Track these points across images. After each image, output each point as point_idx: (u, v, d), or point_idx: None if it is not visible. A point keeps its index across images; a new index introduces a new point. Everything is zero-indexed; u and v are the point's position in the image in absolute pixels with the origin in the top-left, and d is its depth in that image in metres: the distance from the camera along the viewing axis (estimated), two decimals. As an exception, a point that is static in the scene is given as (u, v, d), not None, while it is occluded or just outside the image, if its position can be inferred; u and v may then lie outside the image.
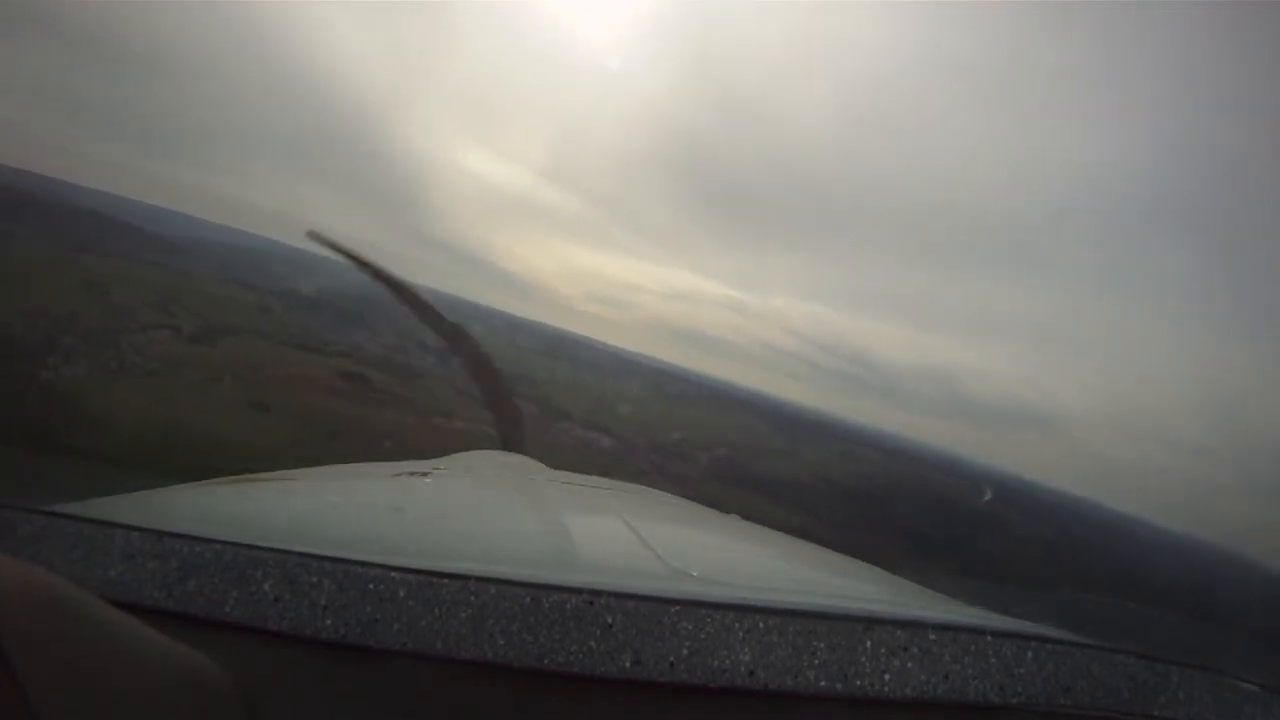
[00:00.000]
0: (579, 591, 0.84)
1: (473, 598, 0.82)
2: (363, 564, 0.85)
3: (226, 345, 23.40)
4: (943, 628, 0.89)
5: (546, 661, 0.79)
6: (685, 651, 0.82)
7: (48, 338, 17.98)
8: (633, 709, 0.82)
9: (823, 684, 0.82)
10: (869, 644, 0.85)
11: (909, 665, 0.85)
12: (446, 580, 0.84)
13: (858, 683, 0.83)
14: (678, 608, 0.85)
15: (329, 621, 0.80)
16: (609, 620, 0.83)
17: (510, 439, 4.06)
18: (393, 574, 0.84)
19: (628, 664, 0.80)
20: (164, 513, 1.22)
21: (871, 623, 0.87)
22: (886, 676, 0.84)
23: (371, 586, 0.83)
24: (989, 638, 0.89)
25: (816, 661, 0.83)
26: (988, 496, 32.93)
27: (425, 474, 1.97)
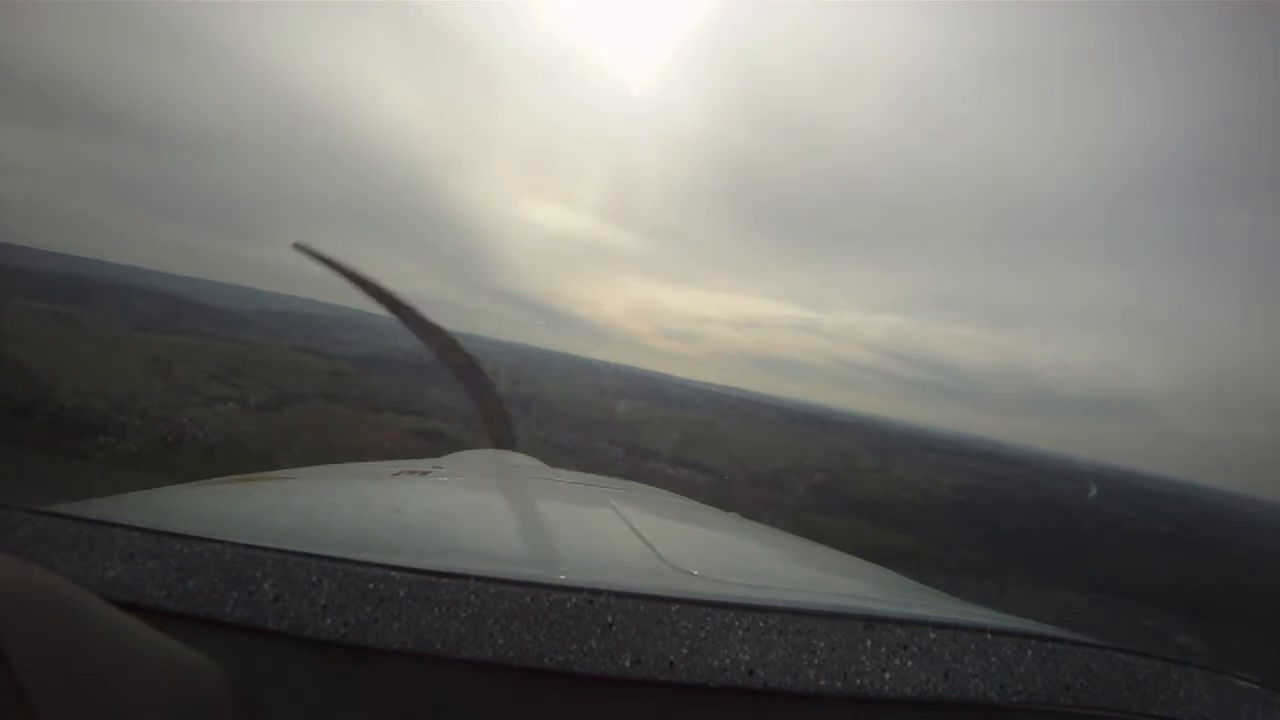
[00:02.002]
0: (579, 591, 0.85)
1: (473, 598, 0.83)
2: (363, 564, 0.86)
3: (294, 412, 23.01)
4: (943, 626, 0.89)
5: (546, 661, 0.80)
6: (685, 651, 0.82)
7: (111, 413, 17.81)
8: (633, 709, 0.82)
9: (823, 683, 0.82)
10: (869, 643, 0.85)
11: (909, 664, 0.85)
12: (446, 580, 0.84)
13: (858, 682, 0.83)
14: (678, 607, 0.85)
15: (329, 621, 0.81)
16: (609, 620, 0.83)
17: (502, 438, 4.03)
18: (393, 574, 0.84)
19: (628, 663, 0.80)
20: (164, 513, 1.23)
21: (871, 622, 0.87)
22: (887, 675, 0.84)
23: (371, 586, 0.83)
24: (989, 636, 0.89)
25: (816, 660, 0.83)
26: (1093, 493, 32.00)
27: (425, 474, 1.98)
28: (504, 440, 3.99)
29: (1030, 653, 0.89)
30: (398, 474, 1.94)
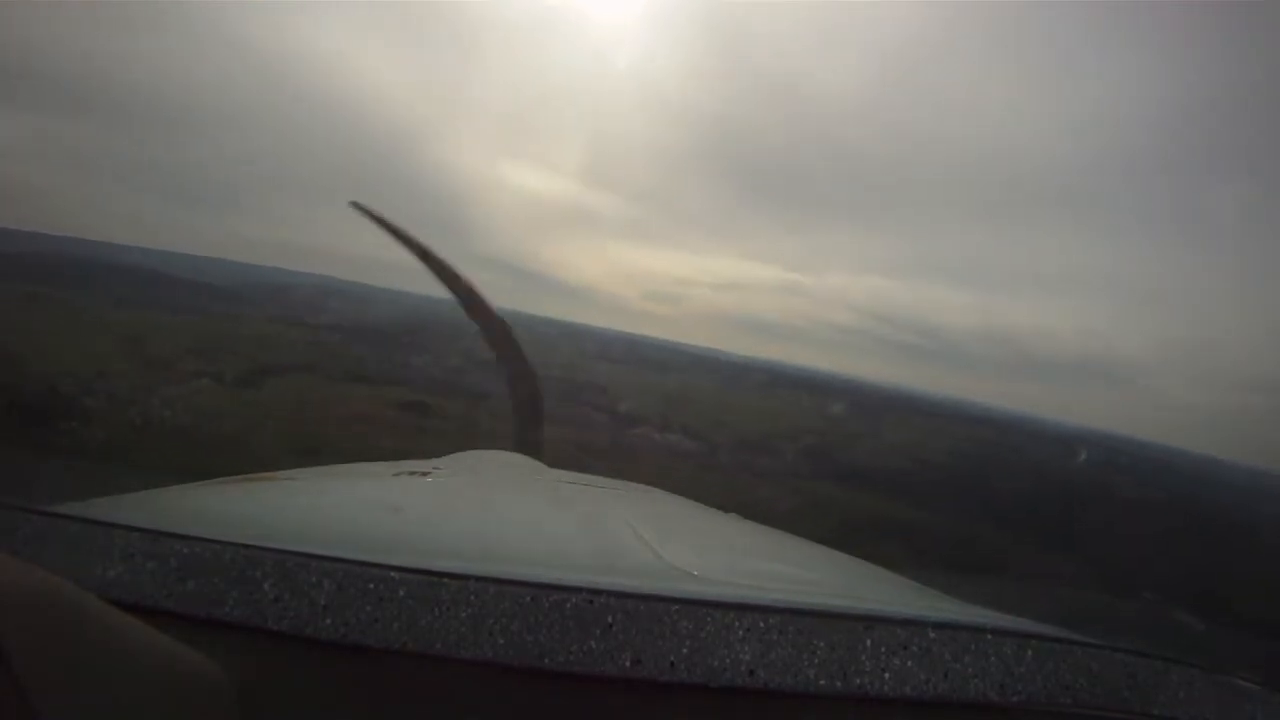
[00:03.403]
0: (579, 591, 0.85)
1: (473, 598, 0.83)
2: (363, 564, 0.86)
3: (272, 386, 22.39)
4: (942, 626, 0.89)
5: (546, 661, 0.80)
6: (685, 651, 0.82)
7: (80, 392, 17.17)
8: (633, 709, 0.83)
9: (823, 683, 0.82)
10: (869, 643, 0.86)
11: (909, 664, 0.85)
12: (446, 580, 0.84)
13: (858, 681, 0.83)
14: (678, 607, 0.85)
15: (329, 621, 0.81)
16: (609, 620, 0.83)
17: (525, 442, 3.99)
18: (393, 574, 0.84)
19: (628, 663, 0.81)
20: (164, 513, 1.23)
21: (871, 622, 0.88)
22: (886, 675, 0.84)
23: (371, 586, 0.83)
24: (989, 636, 0.89)
25: (816, 660, 0.83)
26: (1082, 457, 32.22)
27: (425, 474, 1.97)
28: (526, 445, 3.93)
29: (1030, 653, 0.89)
30: (398, 474, 1.94)
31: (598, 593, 0.85)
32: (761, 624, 0.85)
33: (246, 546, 0.87)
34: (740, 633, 0.84)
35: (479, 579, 0.85)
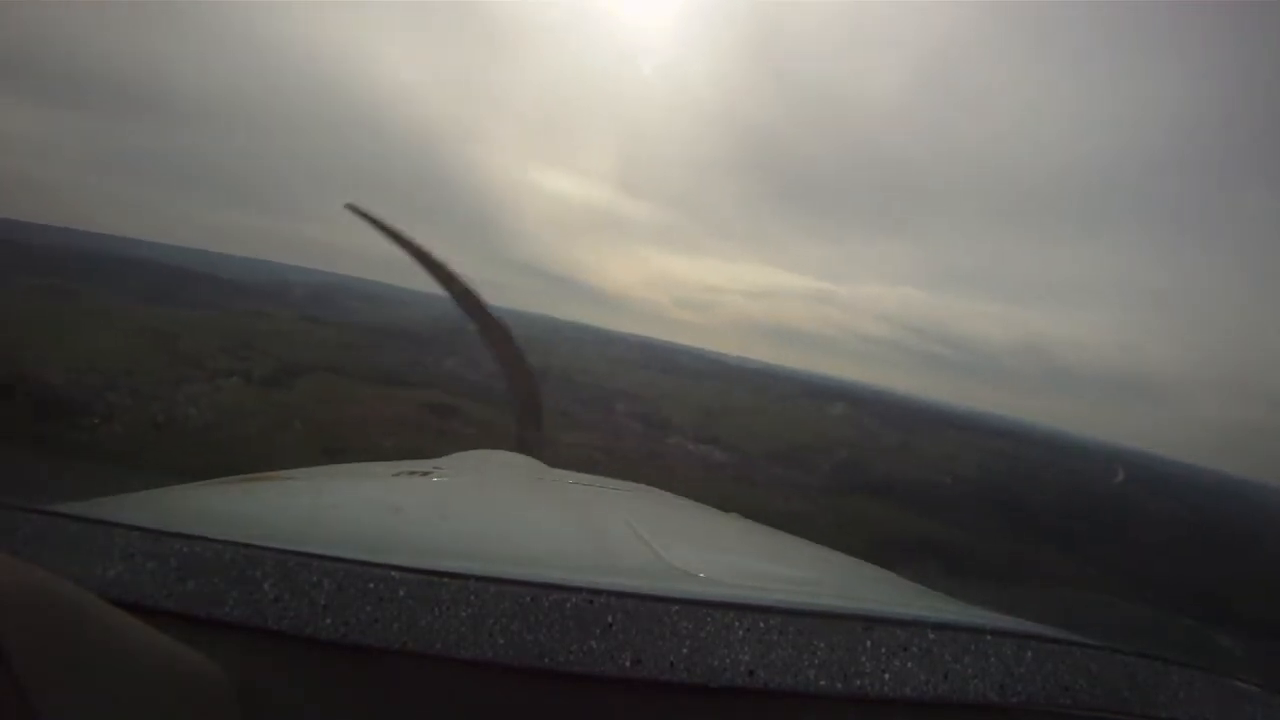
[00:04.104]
0: (579, 591, 0.85)
1: (473, 598, 0.83)
2: (363, 564, 0.86)
3: (300, 386, 22.15)
4: (943, 627, 0.89)
5: (546, 661, 0.80)
6: (685, 651, 0.82)
7: (107, 388, 17.06)
8: (633, 709, 0.83)
9: (823, 683, 0.82)
10: (869, 643, 0.86)
11: (909, 665, 0.85)
12: (446, 580, 0.84)
13: (858, 682, 0.83)
14: (678, 607, 0.85)
15: (329, 621, 0.81)
16: (609, 620, 0.83)
17: (525, 441, 3.98)
18: (393, 574, 0.85)
19: (628, 664, 0.81)
20: (164, 513, 1.23)
21: (871, 622, 0.88)
22: (886, 676, 0.84)
23: (371, 586, 0.83)
24: (989, 637, 0.89)
25: (816, 661, 0.83)
26: (1120, 477, 31.79)
27: (425, 474, 1.98)
28: (527, 444, 3.91)
29: (1030, 653, 0.89)
30: (398, 474, 1.95)
31: (598, 593, 0.85)
32: (761, 624, 0.85)
33: (247, 546, 0.87)
34: (740, 633, 0.84)
35: (479, 579, 0.85)
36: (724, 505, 2.71)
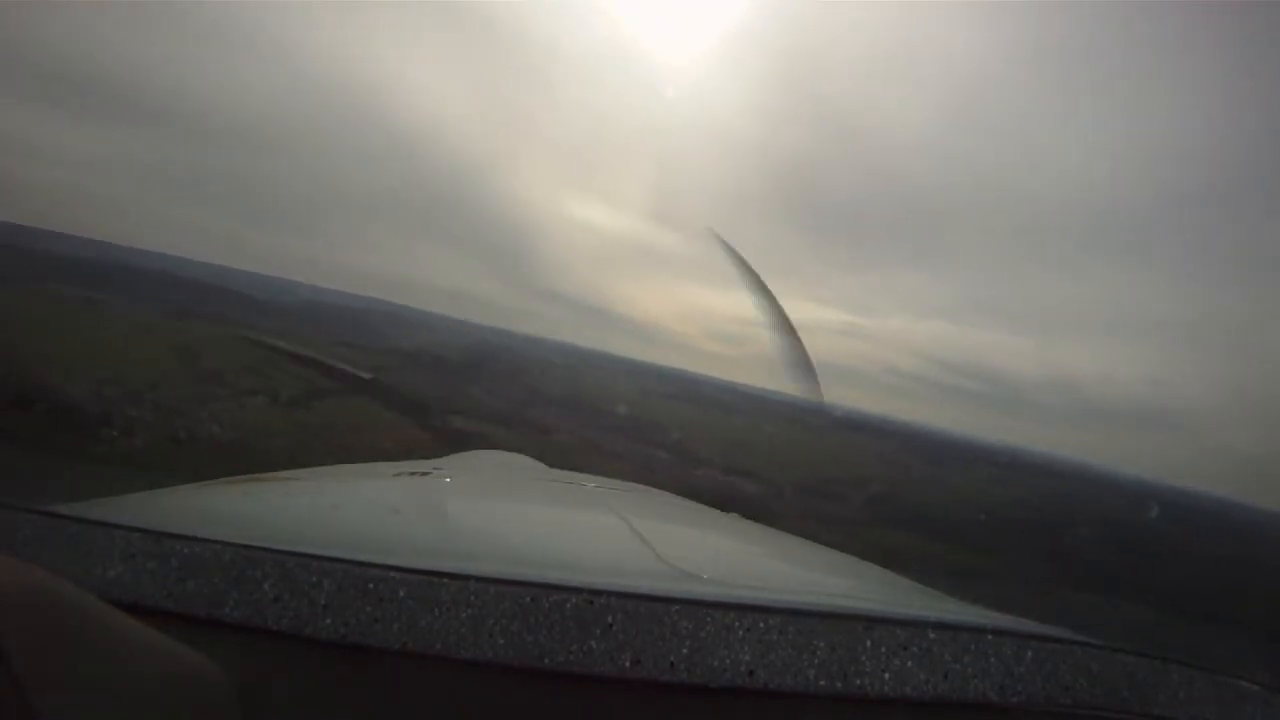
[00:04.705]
0: (579, 591, 0.85)
1: (473, 598, 0.83)
2: (363, 564, 0.86)
3: (322, 409, 22.27)
4: (943, 627, 0.89)
5: (546, 661, 0.80)
6: (685, 651, 0.82)
7: (123, 405, 16.93)
8: (633, 709, 0.83)
9: (823, 683, 0.82)
10: (869, 643, 0.86)
11: (909, 664, 0.85)
12: (446, 580, 0.84)
13: (858, 682, 0.83)
14: (678, 607, 0.85)
15: (329, 621, 0.81)
16: (609, 620, 0.83)
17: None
18: (393, 574, 0.85)
19: (628, 664, 0.81)
20: (164, 513, 1.24)
21: (871, 622, 0.87)
22: (886, 676, 0.84)
23: (371, 586, 0.83)
24: (989, 637, 0.89)
25: (816, 661, 0.83)
26: (1155, 512, 31.37)
27: (425, 474, 1.98)
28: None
29: (1030, 653, 0.89)
30: (398, 474, 1.94)
31: (598, 593, 0.85)
32: (761, 624, 0.85)
33: (246, 547, 0.88)
34: (740, 633, 0.84)
35: (479, 579, 0.85)
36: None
